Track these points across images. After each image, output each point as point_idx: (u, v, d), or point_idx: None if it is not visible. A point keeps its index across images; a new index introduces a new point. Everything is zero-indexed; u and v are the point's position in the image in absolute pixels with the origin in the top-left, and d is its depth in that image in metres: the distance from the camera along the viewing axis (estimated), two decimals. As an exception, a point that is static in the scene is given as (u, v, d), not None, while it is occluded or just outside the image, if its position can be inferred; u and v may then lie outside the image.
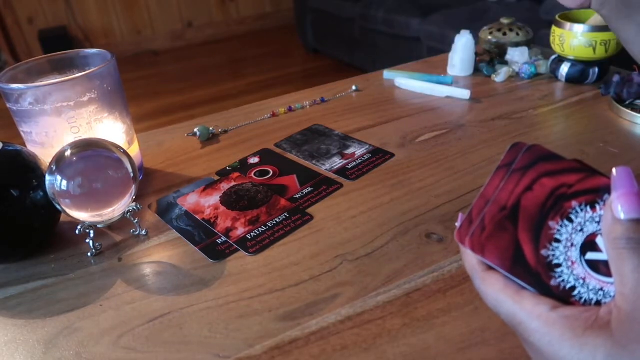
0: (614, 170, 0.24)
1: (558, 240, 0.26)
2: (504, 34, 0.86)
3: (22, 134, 0.53)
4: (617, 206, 0.23)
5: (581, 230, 0.26)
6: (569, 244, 0.26)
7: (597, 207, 0.25)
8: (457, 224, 0.29)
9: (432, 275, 0.43)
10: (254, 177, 0.60)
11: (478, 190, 0.53)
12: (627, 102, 0.67)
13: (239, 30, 3.80)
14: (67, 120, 0.51)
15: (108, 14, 3.40)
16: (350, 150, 0.64)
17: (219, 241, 0.49)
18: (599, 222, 0.25)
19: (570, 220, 0.26)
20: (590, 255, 0.25)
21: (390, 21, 2.29)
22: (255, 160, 0.64)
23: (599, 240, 0.25)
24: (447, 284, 0.42)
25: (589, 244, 0.26)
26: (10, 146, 0.48)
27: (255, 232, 0.50)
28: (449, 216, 0.50)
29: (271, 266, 0.45)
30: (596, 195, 0.26)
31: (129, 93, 0.58)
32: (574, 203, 0.26)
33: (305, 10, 2.99)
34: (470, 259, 0.28)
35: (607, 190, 0.25)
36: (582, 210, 0.26)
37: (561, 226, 0.26)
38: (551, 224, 0.26)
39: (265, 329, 0.39)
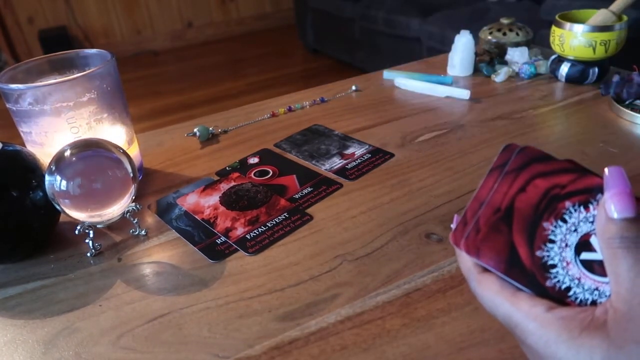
0: (606, 169, 0.24)
1: (552, 241, 0.26)
2: (504, 34, 0.86)
3: (21, 134, 0.53)
4: (610, 205, 0.23)
5: (575, 230, 0.26)
6: (564, 245, 0.26)
7: (591, 207, 0.25)
8: (452, 226, 0.29)
9: (432, 275, 0.43)
10: (254, 177, 0.60)
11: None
12: (627, 102, 0.67)
13: (239, 30, 3.80)
14: (67, 120, 0.51)
15: (108, 14, 3.40)
16: (350, 150, 0.64)
17: (218, 241, 0.49)
18: (592, 222, 0.25)
19: (564, 221, 0.26)
20: (585, 255, 0.26)
21: (390, 21, 2.29)
22: (255, 160, 0.64)
23: (593, 240, 0.25)
24: (447, 284, 0.42)
25: (584, 244, 0.26)
26: (10, 146, 0.48)
27: (254, 232, 0.50)
28: (448, 216, 0.50)
29: (271, 266, 0.45)
30: (589, 195, 0.26)
31: (129, 93, 0.58)
32: (568, 203, 0.26)
33: (305, 10, 2.99)
34: (466, 262, 0.28)
35: (600, 190, 0.25)
36: (575, 210, 0.26)
37: (555, 227, 0.26)
38: (545, 224, 0.26)
39: (264, 329, 0.39)
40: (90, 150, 0.46)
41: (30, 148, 0.53)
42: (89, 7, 3.32)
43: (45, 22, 3.25)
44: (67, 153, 0.45)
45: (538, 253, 0.26)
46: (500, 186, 0.28)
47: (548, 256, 0.26)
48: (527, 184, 0.27)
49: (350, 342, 0.37)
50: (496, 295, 0.26)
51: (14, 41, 3.19)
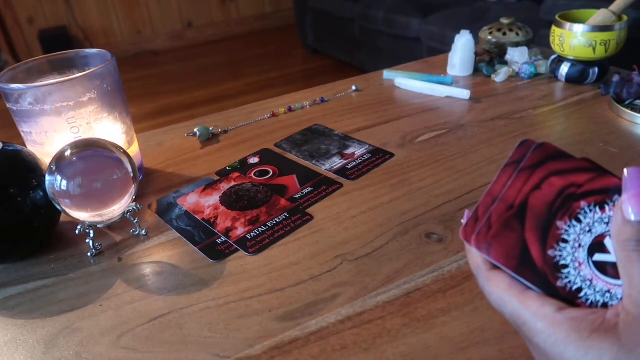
0: (625, 170, 0.24)
1: (565, 241, 0.26)
2: (504, 34, 0.86)
3: (22, 134, 0.53)
4: (628, 207, 0.23)
5: (589, 231, 0.25)
6: (577, 245, 0.25)
7: (607, 207, 0.25)
8: (463, 222, 0.29)
9: (432, 275, 0.43)
10: (254, 177, 0.60)
11: (478, 190, 0.53)
12: (627, 102, 0.67)
13: (239, 30, 3.80)
14: (67, 120, 0.51)
15: (108, 14, 3.40)
16: (350, 150, 0.64)
17: (218, 241, 0.49)
18: (607, 223, 0.25)
19: (579, 221, 0.26)
20: (598, 257, 0.25)
21: (390, 21, 2.29)
22: (255, 160, 0.64)
23: (608, 242, 0.25)
24: (447, 283, 0.42)
25: (597, 245, 0.25)
26: (10, 146, 0.48)
27: (255, 232, 0.50)
28: (449, 216, 0.50)
29: (271, 266, 0.45)
30: (606, 195, 0.25)
31: (129, 93, 0.58)
32: (583, 203, 0.25)
33: (305, 10, 2.99)
34: (475, 258, 0.28)
35: (617, 191, 0.25)
36: (591, 210, 0.25)
37: (569, 226, 0.26)
38: (559, 224, 0.26)
39: (265, 329, 0.39)
40: (91, 150, 0.46)
41: (31, 148, 0.53)
42: (89, 7, 3.32)
43: (45, 22, 3.24)
44: (68, 153, 0.45)
45: (550, 252, 0.26)
46: (515, 182, 0.27)
47: (560, 256, 0.26)
48: (543, 182, 0.27)
49: (350, 342, 0.37)
50: (505, 292, 0.26)
51: (14, 41, 3.19)
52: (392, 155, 0.62)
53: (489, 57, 0.86)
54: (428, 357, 0.35)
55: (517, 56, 0.83)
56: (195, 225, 0.52)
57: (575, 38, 0.73)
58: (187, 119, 0.78)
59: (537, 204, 0.26)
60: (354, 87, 0.83)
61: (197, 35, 3.69)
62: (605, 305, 0.25)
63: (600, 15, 0.73)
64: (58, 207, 0.46)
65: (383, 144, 0.65)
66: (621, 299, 0.23)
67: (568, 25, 0.73)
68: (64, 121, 0.51)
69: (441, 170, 0.58)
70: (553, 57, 0.80)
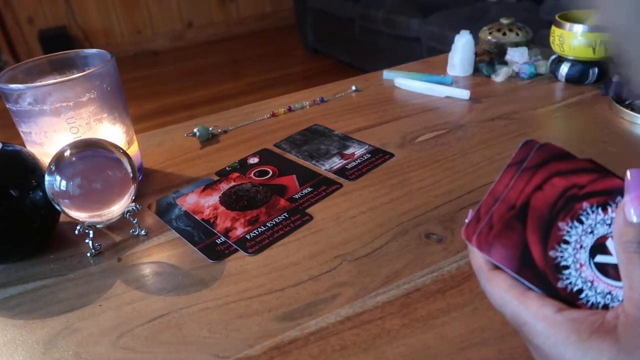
0: (627, 172, 0.24)
1: (567, 242, 0.26)
2: (504, 34, 0.86)
3: (21, 134, 0.53)
4: (630, 209, 0.23)
5: (591, 232, 0.25)
6: (578, 246, 0.25)
7: (609, 209, 0.25)
8: (466, 221, 0.29)
9: (432, 275, 0.43)
10: (254, 177, 0.60)
11: (478, 190, 0.53)
12: (627, 102, 0.67)
13: (239, 30, 3.81)
14: (67, 121, 0.51)
15: (108, 14, 3.40)
16: (349, 151, 0.64)
17: (218, 241, 0.49)
18: (610, 225, 0.25)
19: (581, 222, 0.25)
20: (600, 258, 0.25)
21: (390, 21, 2.29)
22: (254, 160, 0.64)
23: (609, 243, 0.25)
24: (447, 284, 0.42)
25: (599, 247, 0.25)
26: (9, 146, 0.48)
27: (254, 232, 0.50)
28: (448, 216, 0.50)
29: (270, 266, 0.45)
30: (608, 197, 0.25)
31: (129, 93, 0.58)
32: (585, 204, 0.25)
33: (305, 10, 2.99)
34: (477, 258, 0.28)
35: (620, 192, 0.25)
36: (593, 212, 0.25)
37: (571, 227, 0.26)
38: (561, 224, 0.26)
39: (264, 329, 0.39)
40: (90, 150, 0.46)
41: (30, 148, 0.53)
42: (89, 7, 3.32)
43: (45, 22, 3.25)
44: (67, 153, 0.45)
45: (551, 253, 0.26)
46: (517, 183, 0.27)
47: (561, 257, 0.26)
48: (545, 182, 0.26)
49: (350, 342, 0.37)
50: (505, 293, 0.26)
51: (14, 41, 3.19)
52: (391, 155, 0.62)
53: (489, 57, 0.86)
54: (428, 357, 0.35)
55: (517, 56, 0.83)
56: (195, 226, 0.52)
57: (575, 38, 0.73)
58: (187, 119, 0.78)
59: (539, 205, 0.26)
60: (353, 87, 0.83)
61: (197, 35, 3.70)
62: (606, 307, 0.25)
63: (600, 15, 0.73)
64: (57, 207, 0.46)
65: (383, 144, 0.65)
66: (621, 300, 0.23)
67: (568, 25, 0.73)
68: (63, 121, 0.51)
69: (441, 170, 0.58)
70: (553, 57, 0.80)
